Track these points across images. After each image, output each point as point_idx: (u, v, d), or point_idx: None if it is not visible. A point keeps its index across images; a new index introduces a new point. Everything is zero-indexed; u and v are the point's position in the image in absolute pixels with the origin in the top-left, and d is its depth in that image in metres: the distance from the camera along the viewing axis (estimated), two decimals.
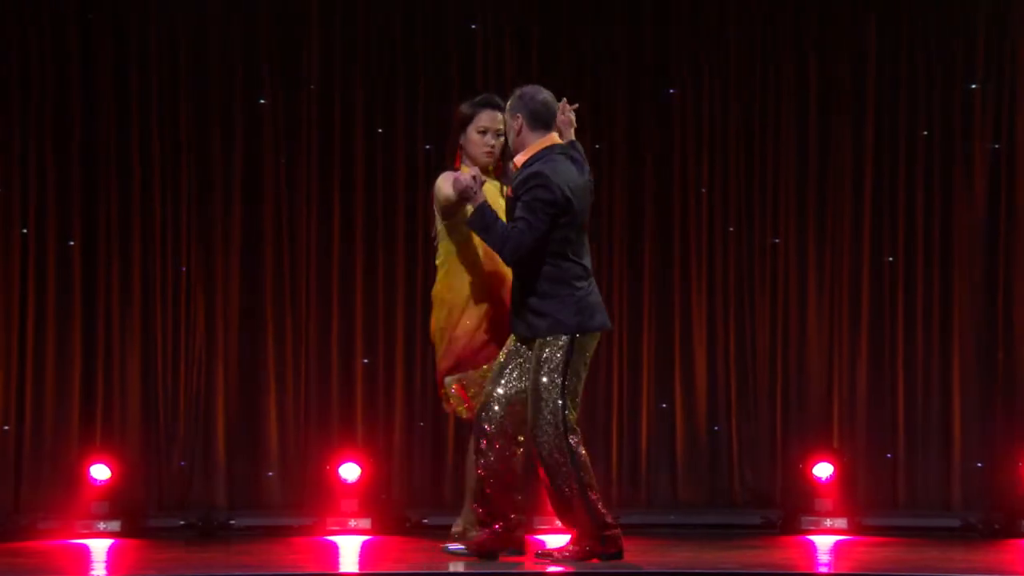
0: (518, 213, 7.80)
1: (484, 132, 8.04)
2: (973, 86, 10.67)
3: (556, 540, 9.67)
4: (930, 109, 10.72)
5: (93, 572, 8.32)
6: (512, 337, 8.00)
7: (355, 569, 8.44)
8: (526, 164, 7.91)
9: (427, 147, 10.70)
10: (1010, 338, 10.61)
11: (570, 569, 7.81)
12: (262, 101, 10.70)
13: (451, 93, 10.74)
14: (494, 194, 8.08)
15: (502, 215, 7.90)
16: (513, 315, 7.96)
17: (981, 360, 10.64)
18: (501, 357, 7.98)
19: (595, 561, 7.90)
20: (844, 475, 10.34)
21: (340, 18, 10.74)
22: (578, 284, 7.88)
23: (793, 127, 10.80)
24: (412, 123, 10.78)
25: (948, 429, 10.65)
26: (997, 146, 10.65)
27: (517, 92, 8.01)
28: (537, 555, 8.04)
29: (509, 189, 7.97)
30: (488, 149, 8.05)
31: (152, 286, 10.59)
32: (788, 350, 10.78)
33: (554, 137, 7.96)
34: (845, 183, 10.75)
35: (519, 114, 7.96)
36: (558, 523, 8.21)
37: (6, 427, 10.41)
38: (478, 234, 7.86)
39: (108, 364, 10.53)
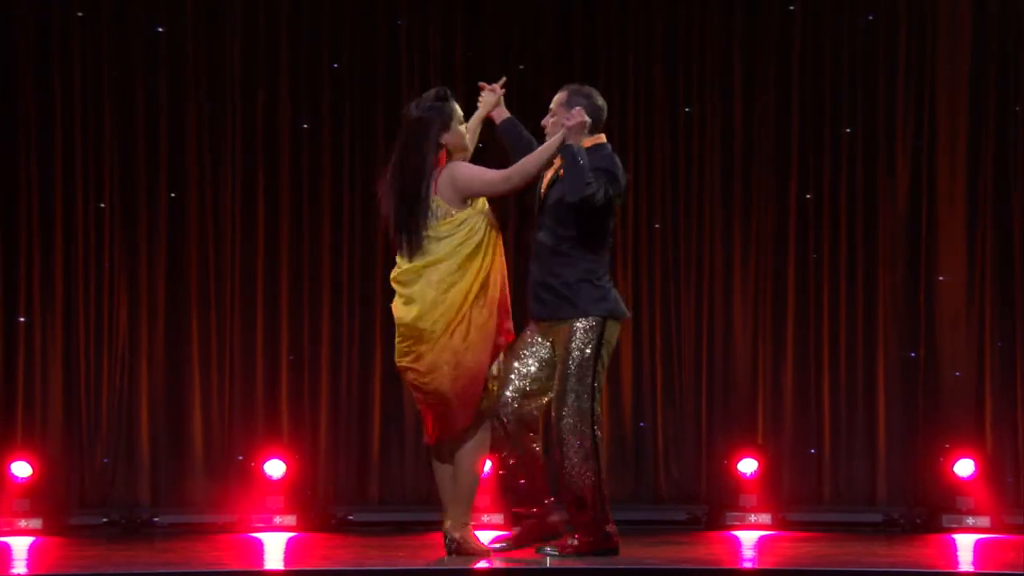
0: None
1: (462, 122, 8.10)
2: (895, 83, 10.76)
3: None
4: (853, 106, 10.80)
5: (14, 570, 8.24)
6: (529, 329, 8.06)
7: (280, 566, 8.41)
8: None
9: (351, 143, 10.70)
10: (932, 334, 10.69)
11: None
12: (186, 96, 10.65)
13: (376, 90, 10.73)
14: None
15: None
16: (542, 297, 8.00)
17: (904, 356, 10.72)
18: (517, 350, 8.02)
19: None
20: (769, 471, 10.41)
21: (263, 12, 10.70)
22: (606, 274, 8.07)
23: (719, 123, 10.85)
24: (339, 119, 10.76)
25: (872, 425, 10.73)
26: (919, 144, 10.75)
27: (577, 90, 8.11)
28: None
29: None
30: (470, 135, 8.18)
31: (74, 282, 10.51)
32: (713, 346, 10.82)
33: (603, 138, 8.12)
34: (770, 181, 10.81)
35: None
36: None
37: None
38: (568, 163, 7.82)
39: (29, 360, 10.42)
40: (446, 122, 8.03)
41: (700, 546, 9.22)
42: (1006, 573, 7.97)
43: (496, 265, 7.99)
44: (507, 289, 8.05)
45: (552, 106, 8.17)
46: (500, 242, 8.06)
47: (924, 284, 10.72)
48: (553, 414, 7.95)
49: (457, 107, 8.10)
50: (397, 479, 10.70)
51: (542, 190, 8.12)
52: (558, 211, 8.02)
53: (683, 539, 9.50)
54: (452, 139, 8.05)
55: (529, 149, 8.15)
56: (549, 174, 8.14)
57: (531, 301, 8.11)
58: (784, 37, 10.83)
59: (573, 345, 7.94)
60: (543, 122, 8.19)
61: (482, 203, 8.05)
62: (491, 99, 8.34)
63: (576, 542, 7.95)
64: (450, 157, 8.09)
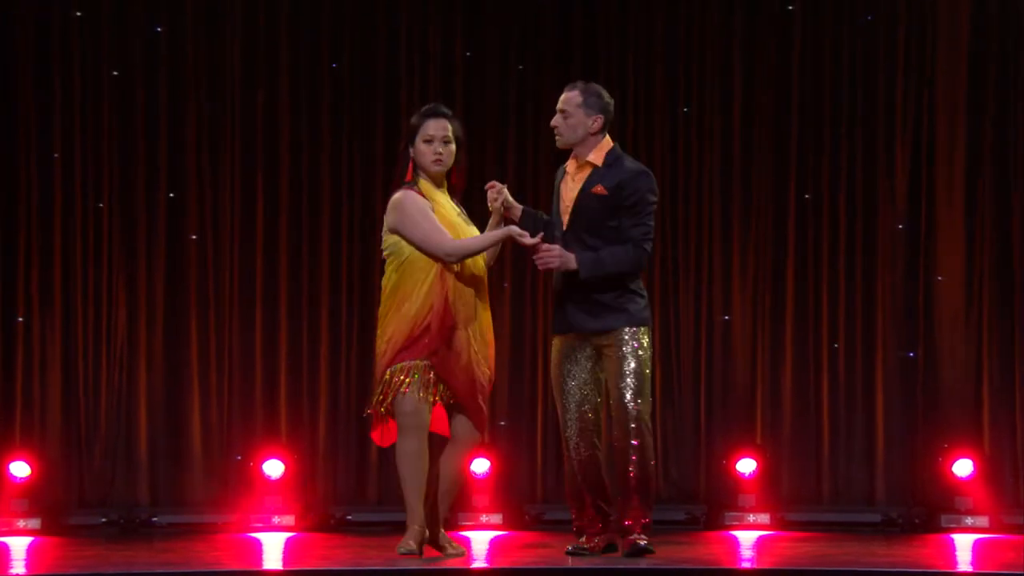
0: (633, 220, 7.95)
1: (430, 141, 7.97)
2: (895, 83, 10.76)
3: (479, 536, 9.70)
4: (853, 106, 10.79)
5: (12, 570, 8.23)
6: (563, 344, 8.06)
7: (279, 566, 8.40)
8: (607, 162, 8.02)
9: (351, 144, 10.69)
10: (931, 335, 10.69)
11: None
12: (186, 96, 10.65)
13: (376, 91, 10.73)
14: (447, 205, 8.03)
15: (455, 225, 7.94)
16: (588, 310, 7.97)
17: (903, 357, 10.71)
18: (562, 377, 8.08)
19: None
20: (767, 471, 10.40)
21: (263, 12, 10.70)
22: (640, 280, 8.13)
23: (718, 124, 10.84)
24: (338, 119, 10.76)
25: (871, 425, 10.72)
26: (918, 144, 10.75)
27: (586, 88, 8.07)
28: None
29: (600, 187, 7.97)
30: (436, 158, 7.98)
31: (73, 282, 10.50)
32: (712, 347, 10.81)
33: (609, 139, 8.15)
34: (769, 181, 10.80)
35: (600, 115, 8.07)
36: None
37: None
38: (606, 274, 7.94)
39: (28, 360, 10.42)
40: (411, 136, 8.01)
41: (699, 546, 9.21)
42: (1005, 573, 7.96)
43: (419, 296, 7.89)
44: (445, 318, 7.90)
45: (566, 107, 8.05)
46: (440, 275, 7.90)
47: (923, 284, 10.72)
48: (629, 409, 7.96)
49: (439, 124, 7.95)
50: (395, 479, 10.65)
51: (567, 205, 8.02)
52: (592, 223, 7.97)
53: (682, 539, 9.49)
54: (416, 156, 8.01)
55: (549, 230, 8.06)
56: (571, 188, 8.03)
57: (573, 315, 8.02)
58: (784, 37, 10.82)
59: (633, 349, 7.97)
60: (553, 123, 8.09)
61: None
62: (498, 206, 8.06)
63: (641, 538, 8.02)
64: (417, 174, 8.03)
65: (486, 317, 8.08)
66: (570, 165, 8.15)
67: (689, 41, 10.85)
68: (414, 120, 8.04)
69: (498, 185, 8.10)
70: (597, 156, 8.07)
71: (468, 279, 7.99)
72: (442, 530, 8.16)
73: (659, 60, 10.85)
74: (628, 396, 7.97)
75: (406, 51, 10.79)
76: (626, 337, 8.00)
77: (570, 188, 8.10)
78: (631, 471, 8.01)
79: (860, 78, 10.79)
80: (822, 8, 10.81)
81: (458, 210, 8.10)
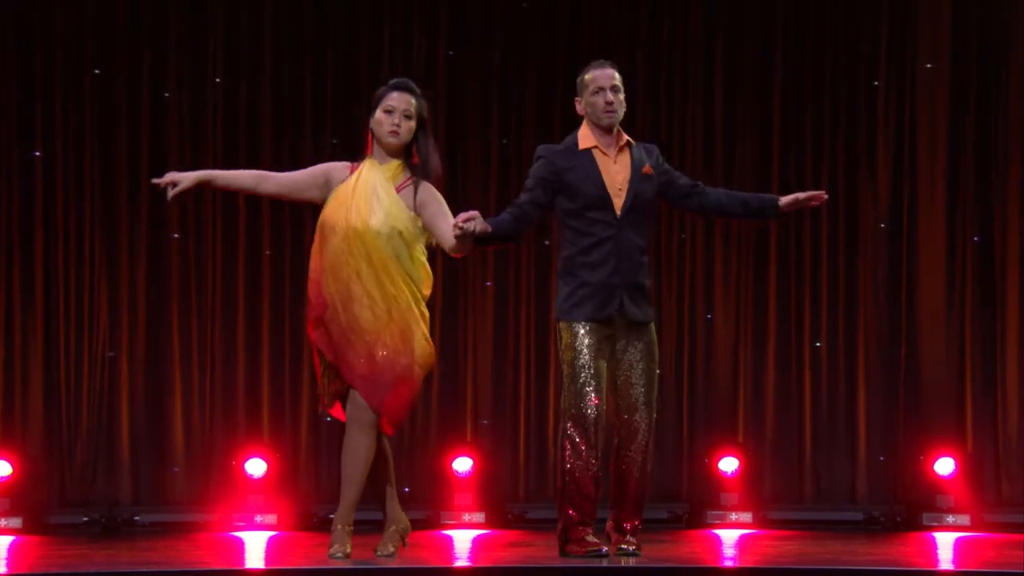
0: (679, 175, 8.05)
1: (391, 112, 7.80)
2: (876, 83, 10.78)
3: (464, 535, 9.70)
4: (835, 106, 10.81)
5: None
6: (598, 330, 7.81)
7: (261, 565, 8.40)
8: (634, 142, 8.00)
9: (334, 141, 10.67)
10: (912, 334, 10.72)
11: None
12: (167, 94, 10.62)
13: (359, 89, 10.72)
14: (368, 178, 7.79)
15: (356, 195, 7.75)
16: (635, 299, 7.87)
17: (885, 356, 10.74)
18: (590, 359, 7.83)
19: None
20: (750, 469, 10.42)
21: (246, 10, 10.69)
22: None
23: (700, 123, 10.84)
24: (320, 117, 10.75)
25: (853, 423, 10.75)
26: (900, 142, 10.78)
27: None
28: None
29: (648, 166, 7.93)
30: (393, 129, 7.79)
31: (54, 280, 10.48)
32: (695, 345, 10.82)
33: None
34: (751, 178, 10.81)
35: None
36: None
37: None
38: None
39: (9, 358, 10.40)
40: (374, 106, 7.87)
41: (681, 545, 9.22)
42: (986, 571, 7.99)
43: (313, 264, 7.86)
44: (317, 295, 7.79)
45: (618, 84, 7.93)
46: (318, 244, 7.87)
47: (905, 283, 10.74)
48: (643, 411, 7.90)
49: (403, 97, 7.78)
50: (376, 480, 10.66)
51: (619, 188, 7.84)
52: (645, 203, 7.89)
53: (664, 538, 9.50)
54: (374, 125, 7.85)
55: (509, 224, 7.88)
56: (618, 169, 7.87)
57: (624, 302, 7.83)
58: (766, 34, 10.83)
59: (652, 346, 7.93)
60: (611, 98, 7.87)
61: (329, 203, 7.91)
62: (465, 239, 7.68)
63: (632, 543, 8.00)
64: (374, 145, 7.89)
65: (403, 298, 7.71)
66: (600, 145, 7.94)
67: (672, 35, 10.85)
68: (379, 91, 7.89)
69: (472, 222, 7.61)
70: (625, 135, 7.99)
71: (353, 250, 7.76)
72: (395, 527, 8.06)
73: (641, 58, 10.84)
74: (644, 397, 7.90)
75: (389, 48, 10.78)
76: (649, 332, 7.94)
77: (615, 169, 7.91)
78: (636, 473, 7.95)
79: (842, 76, 10.80)
80: (804, 6, 10.81)
81: (387, 186, 7.78)
